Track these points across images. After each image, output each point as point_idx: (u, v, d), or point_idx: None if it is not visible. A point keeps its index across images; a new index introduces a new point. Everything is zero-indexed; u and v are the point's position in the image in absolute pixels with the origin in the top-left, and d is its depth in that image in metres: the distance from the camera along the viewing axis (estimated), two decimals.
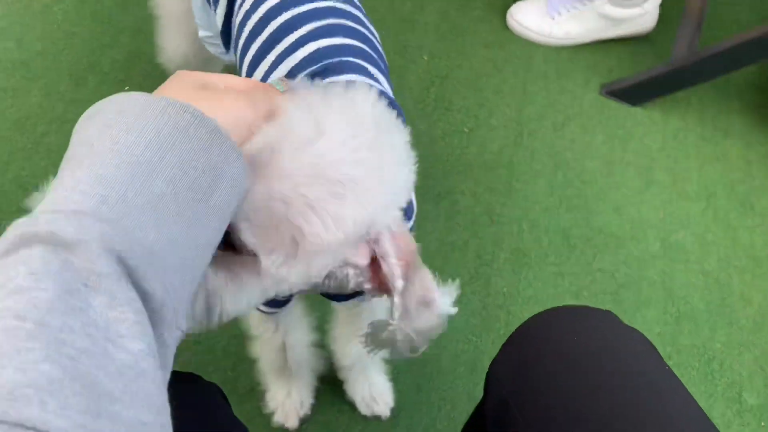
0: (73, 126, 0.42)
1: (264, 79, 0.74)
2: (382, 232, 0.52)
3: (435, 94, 1.56)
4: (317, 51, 0.72)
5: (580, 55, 1.69)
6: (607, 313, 0.63)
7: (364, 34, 0.79)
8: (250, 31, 0.80)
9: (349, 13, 0.81)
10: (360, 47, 0.76)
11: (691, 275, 1.35)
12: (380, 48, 0.83)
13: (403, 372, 1.17)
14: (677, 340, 1.27)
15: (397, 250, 0.53)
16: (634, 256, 1.36)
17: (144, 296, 0.34)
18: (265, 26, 0.77)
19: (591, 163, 1.49)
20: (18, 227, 0.34)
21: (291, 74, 0.70)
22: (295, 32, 0.74)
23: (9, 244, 0.33)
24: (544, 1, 1.68)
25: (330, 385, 1.14)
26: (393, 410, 1.12)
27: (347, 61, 0.72)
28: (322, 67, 0.70)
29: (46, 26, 1.53)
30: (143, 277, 0.34)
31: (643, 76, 1.56)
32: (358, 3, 0.88)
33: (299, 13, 0.76)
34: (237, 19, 0.85)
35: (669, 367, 0.60)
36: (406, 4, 1.71)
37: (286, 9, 0.77)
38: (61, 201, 0.35)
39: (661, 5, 1.69)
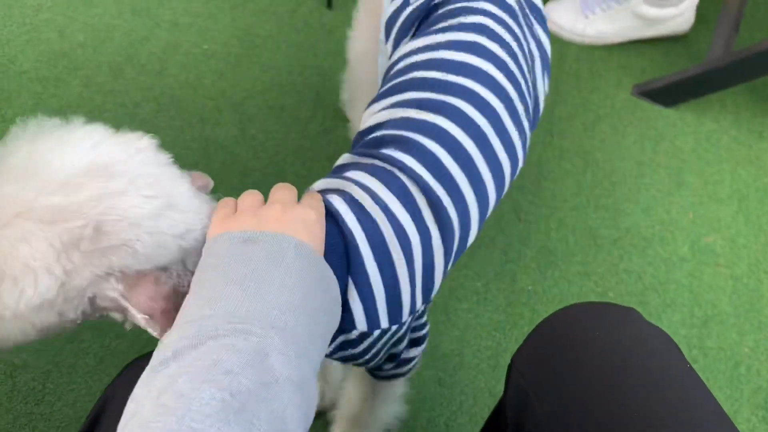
0: (111, 116, 0.45)
1: None
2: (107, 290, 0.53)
3: None
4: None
5: (613, 54, 1.68)
6: (631, 310, 0.63)
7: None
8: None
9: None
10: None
11: (719, 279, 1.34)
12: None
13: (425, 366, 1.18)
14: (704, 343, 1.26)
15: (139, 300, 0.54)
16: (662, 258, 1.35)
17: (309, 406, 0.46)
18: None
19: (621, 163, 1.48)
20: (223, 319, 0.45)
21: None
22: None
23: (219, 330, 0.44)
24: (577, 0, 1.67)
25: None
26: (414, 404, 1.14)
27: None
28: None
29: (87, 19, 1.57)
30: (312, 391, 0.47)
31: (676, 76, 1.54)
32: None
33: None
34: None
35: (690, 366, 0.60)
36: None
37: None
38: (260, 314, 0.46)
39: (698, 6, 1.67)
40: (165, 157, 0.58)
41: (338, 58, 1.58)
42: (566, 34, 1.67)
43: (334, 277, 0.55)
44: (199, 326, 0.44)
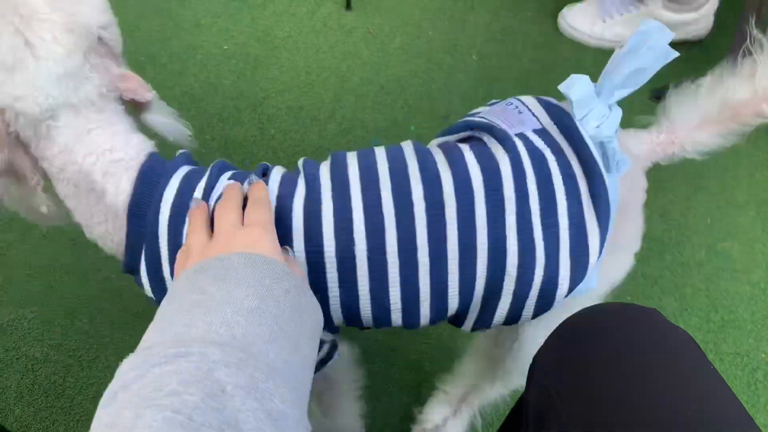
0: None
1: None
2: None
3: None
4: None
5: None
6: (653, 311, 0.63)
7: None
8: None
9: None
10: None
11: (737, 284, 1.34)
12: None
13: (440, 364, 1.19)
14: (720, 348, 1.26)
15: None
16: (679, 263, 1.35)
17: (269, 409, 0.44)
18: None
19: None
20: (166, 347, 0.45)
21: None
22: None
23: (162, 358, 0.44)
24: (596, 3, 1.68)
25: None
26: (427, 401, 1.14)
27: None
28: None
29: None
30: (269, 393, 0.45)
31: (694, 82, 1.54)
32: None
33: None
34: None
35: (714, 367, 0.60)
36: (458, 3, 1.73)
37: None
38: (202, 335, 0.47)
39: (717, 11, 1.66)
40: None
41: (357, 59, 1.59)
42: (584, 38, 1.67)
43: (290, 274, 0.55)
44: (145, 356, 0.45)
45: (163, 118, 0.73)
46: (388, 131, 1.49)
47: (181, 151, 0.74)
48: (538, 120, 0.72)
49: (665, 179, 1.47)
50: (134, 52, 1.54)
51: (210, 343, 0.45)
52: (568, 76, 1.61)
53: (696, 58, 1.70)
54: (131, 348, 1.17)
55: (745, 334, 1.27)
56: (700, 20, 1.63)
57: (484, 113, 0.77)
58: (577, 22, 1.67)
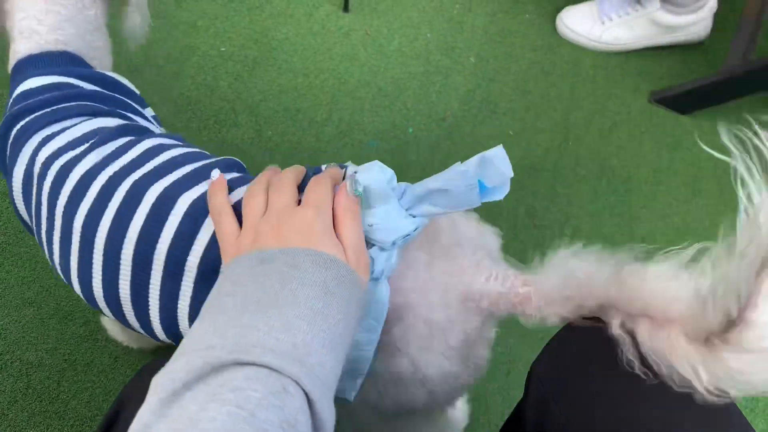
0: None
1: None
2: None
3: (481, 97, 1.57)
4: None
5: (630, 61, 1.67)
6: None
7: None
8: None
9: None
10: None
11: None
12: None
13: None
14: None
15: None
16: None
17: (315, 416, 0.46)
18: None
19: (637, 170, 1.48)
20: (226, 351, 0.45)
21: None
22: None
23: (218, 364, 0.44)
24: (595, 5, 1.67)
25: None
26: None
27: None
28: None
29: (108, 22, 1.58)
30: (318, 402, 0.46)
31: (693, 84, 1.54)
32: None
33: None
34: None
35: None
36: (455, 5, 1.72)
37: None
38: (263, 340, 0.46)
39: (716, 13, 1.66)
40: None
41: (354, 61, 1.58)
42: (583, 40, 1.67)
43: (352, 275, 0.54)
44: (204, 357, 0.45)
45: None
46: (386, 133, 1.48)
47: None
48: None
49: (662, 182, 1.46)
50: (130, 54, 1.53)
51: (270, 350, 0.45)
52: (567, 78, 1.61)
53: (695, 60, 1.70)
54: (127, 351, 1.16)
55: None
56: (698, 22, 1.62)
57: None
58: (575, 25, 1.67)
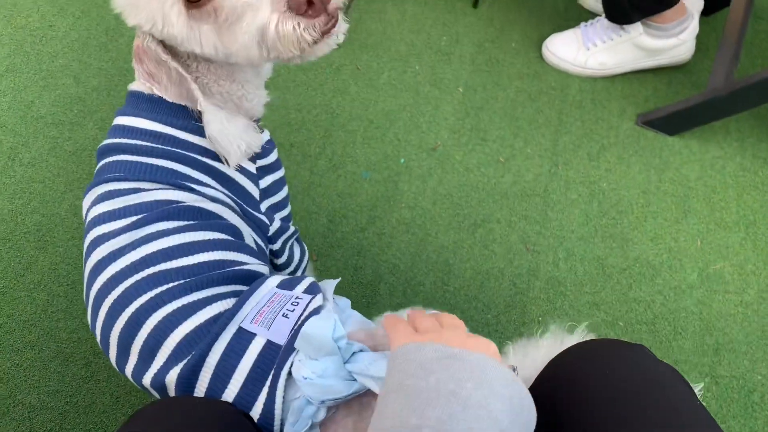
0: None
1: None
2: None
3: (470, 125, 1.59)
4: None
5: (616, 84, 1.70)
6: (640, 347, 0.64)
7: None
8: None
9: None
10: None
11: (729, 306, 1.34)
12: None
13: None
14: (715, 371, 1.26)
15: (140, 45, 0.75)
16: (671, 286, 1.36)
17: None
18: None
19: (627, 192, 1.50)
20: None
21: None
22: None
23: None
24: (579, 32, 1.71)
25: None
26: None
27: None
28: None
29: (102, 63, 1.62)
30: None
31: (679, 105, 1.56)
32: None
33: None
34: None
35: (701, 402, 0.61)
36: (443, 38, 1.76)
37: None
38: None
39: (698, 35, 1.69)
40: None
41: (346, 95, 1.61)
42: (568, 66, 1.70)
43: (530, 401, 0.56)
44: None
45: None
46: (378, 164, 1.51)
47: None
48: (293, 329, 0.67)
49: (653, 202, 1.48)
50: (125, 96, 1.56)
51: None
52: (555, 104, 1.63)
53: (679, 81, 1.73)
54: (128, 391, 1.17)
55: (740, 356, 1.28)
56: (681, 45, 1.65)
57: (270, 281, 0.74)
58: (560, 51, 1.70)
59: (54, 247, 1.31)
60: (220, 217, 0.79)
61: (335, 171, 1.49)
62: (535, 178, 1.51)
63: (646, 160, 1.56)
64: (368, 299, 1.30)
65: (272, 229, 0.90)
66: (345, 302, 0.76)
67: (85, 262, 0.76)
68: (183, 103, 0.78)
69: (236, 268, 0.74)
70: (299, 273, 1.03)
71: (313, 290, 0.72)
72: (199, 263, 0.73)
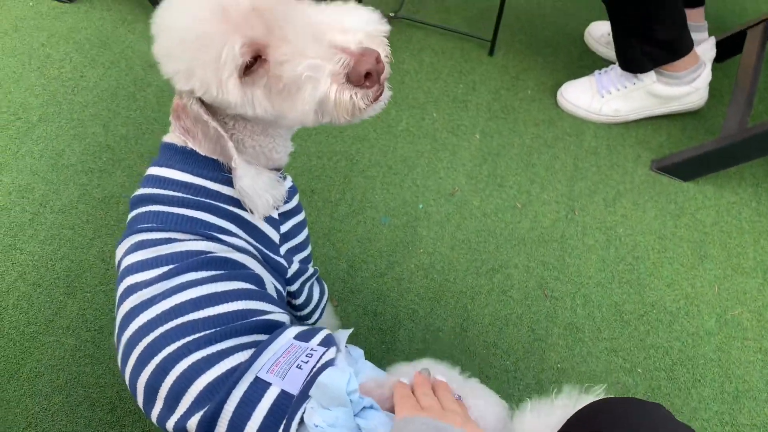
0: None
1: None
2: None
3: (487, 171, 1.62)
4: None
5: (631, 130, 1.73)
6: (656, 406, 0.65)
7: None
8: None
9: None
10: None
11: (748, 353, 1.34)
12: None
13: None
14: (736, 419, 1.26)
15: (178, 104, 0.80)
16: (689, 333, 1.37)
17: None
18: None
19: (643, 238, 1.51)
20: None
21: None
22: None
23: None
24: (593, 80, 1.74)
25: None
26: None
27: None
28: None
29: (130, 113, 1.68)
30: None
31: (693, 152, 1.58)
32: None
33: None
34: None
35: None
36: (459, 85, 1.80)
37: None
38: None
39: (711, 81, 1.72)
40: None
41: (365, 142, 1.65)
42: (583, 113, 1.73)
43: None
44: None
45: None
46: (397, 210, 1.54)
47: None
48: (306, 380, 0.69)
49: (669, 248, 1.49)
50: (153, 143, 1.62)
51: None
52: (570, 150, 1.66)
53: (693, 127, 1.76)
54: None
55: (761, 404, 1.27)
56: (694, 92, 1.68)
57: (287, 332, 0.78)
58: (575, 99, 1.74)
59: (82, 292, 1.35)
60: (245, 267, 0.83)
61: (355, 216, 1.52)
62: (552, 224, 1.54)
63: (661, 206, 1.57)
64: (387, 345, 1.32)
65: (291, 271, 0.93)
66: (358, 352, 0.78)
67: (118, 308, 0.80)
68: (215, 157, 0.82)
69: (258, 318, 0.78)
70: (318, 312, 1.05)
71: (328, 343, 0.75)
72: (225, 313, 0.76)
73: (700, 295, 1.42)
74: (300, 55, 0.67)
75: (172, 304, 0.75)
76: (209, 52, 0.67)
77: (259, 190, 0.82)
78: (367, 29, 0.69)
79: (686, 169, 1.61)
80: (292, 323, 0.82)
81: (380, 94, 0.72)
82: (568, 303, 1.40)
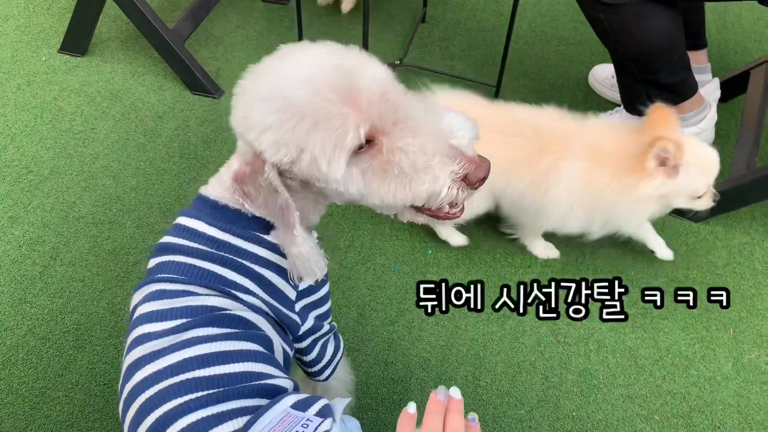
0: None
1: None
2: None
3: (493, 213, 1.62)
4: None
5: None
6: None
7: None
8: None
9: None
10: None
11: None
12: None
13: None
14: None
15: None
16: (706, 377, 1.34)
17: None
18: None
19: (655, 280, 1.50)
20: None
21: None
22: None
23: None
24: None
25: None
26: None
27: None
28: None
29: (140, 164, 1.70)
30: None
31: None
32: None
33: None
34: None
35: None
36: None
37: None
38: None
39: (717, 122, 1.73)
40: None
41: None
42: None
43: None
44: None
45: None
46: (406, 256, 1.54)
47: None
48: None
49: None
50: (162, 194, 1.63)
51: None
52: None
53: None
54: None
55: None
56: (700, 133, 1.69)
57: (285, 400, 0.76)
58: None
59: (92, 346, 1.34)
60: (257, 328, 0.82)
61: (364, 263, 1.52)
62: (563, 268, 1.53)
63: (673, 248, 1.56)
64: (399, 396, 1.30)
65: (303, 329, 0.92)
66: (354, 423, 0.78)
67: (126, 355, 0.79)
68: (267, 219, 0.82)
69: (262, 381, 0.77)
70: (329, 370, 1.04)
71: (324, 413, 0.74)
72: (230, 373, 0.76)
73: (716, 339, 1.40)
74: (423, 150, 0.72)
75: (180, 358, 0.75)
76: (331, 132, 0.69)
77: (315, 255, 0.83)
78: (473, 137, 0.77)
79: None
80: (294, 389, 0.81)
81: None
82: (582, 349, 1.39)
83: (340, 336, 1.05)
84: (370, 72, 0.73)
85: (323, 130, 0.69)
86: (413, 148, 0.72)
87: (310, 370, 1.00)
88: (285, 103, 0.70)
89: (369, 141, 0.73)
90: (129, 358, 0.78)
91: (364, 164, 0.74)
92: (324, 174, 0.73)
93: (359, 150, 0.72)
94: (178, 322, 0.78)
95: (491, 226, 1.59)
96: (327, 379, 1.03)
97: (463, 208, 0.82)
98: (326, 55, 0.74)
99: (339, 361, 1.06)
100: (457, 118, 0.78)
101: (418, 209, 0.81)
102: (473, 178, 0.75)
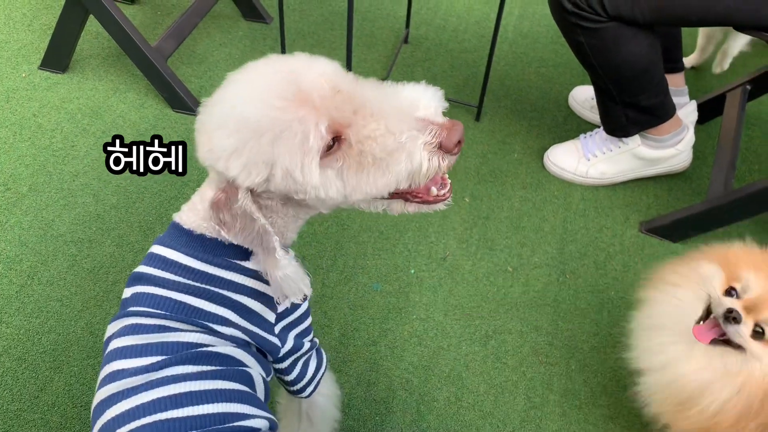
0: None
1: None
2: None
3: (478, 234, 1.63)
4: None
5: (618, 192, 1.75)
6: None
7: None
8: None
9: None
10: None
11: None
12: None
13: None
14: None
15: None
16: None
17: None
18: None
19: (636, 301, 1.51)
20: None
21: None
22: None
23: None
24: (578, 144, 1.77)
25: None
26: None
27: None
28: None
29: (120, 181, 1.68)
30: None
31: (681, 213, 1.60)
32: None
33: None
34: None
35: None
36: None
37: None
38: None
39: (695, 143, 1.76)
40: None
41: (355, 209, 1.66)
42: (570, 176, 1.76)
43: None
44: None
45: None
46: (389, 276, 1.53)
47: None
48: None
49: None
50: (143, 212, 1.61)
51: None
52: (559, 213, 1.67)
53: (679, 188, 1.78)
54: None
55: None
56: (678, 155, 1.72)
57: None
58: (561, 162, 1.76)
59: (69, 366, 1.32)
60: (237, 362, 0.81)
61: (346, 283, 1.52)
62: (544, 288, 1.53)
63: (652, 268, 1.57)
64: (381, 417, 1.29)
65: (283, 351, 0.91)
66: None
67: (98, 390, 0.77)
68: (245, 246, 0.80)
69: (237, 423, 0.76)
70: (311, 387, 1.03)
71: None
72: (204, 414, 0.74)
73: None
74: (389, 130, 0.71)
75: (153, 397, 0.73)
76: (293, 139, 0.68)
77: (300, 274, 0.81)
78: (438, 104, 0.75)
79: (675, 230, 1.63)
80: (271, 429, 0.80)
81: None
82: (564, 369, 1.39)
83: (323, 351, 1.04)
84: (314, 69, 0.72)
85: (285, 139, 0.68)
86: (380, 131, 0.71)
87: (291, 388, 1.00)
88: (240, 124, 0.69)
89: (336, 138, 0.72)
90: (101, 394, 0.76)
91: (337, 164, 0.73)
92: (301, 183, 0.72)
93: (329, 150, 0.71)
94: (153, 359, 0.76)
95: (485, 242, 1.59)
96: (310, 395, 1.02)
97: (450, 188, 0.81)
98: (267, 66, 0.74)
99: (321, 377, 1.05)
100: (416, 89, 0.76)
101: (407, 198, 0.80)
102: (449, 143, 0.73)
